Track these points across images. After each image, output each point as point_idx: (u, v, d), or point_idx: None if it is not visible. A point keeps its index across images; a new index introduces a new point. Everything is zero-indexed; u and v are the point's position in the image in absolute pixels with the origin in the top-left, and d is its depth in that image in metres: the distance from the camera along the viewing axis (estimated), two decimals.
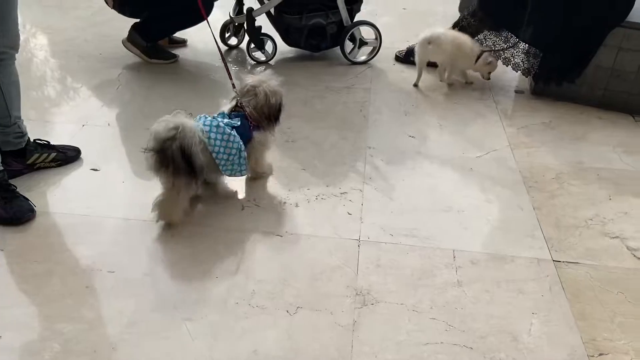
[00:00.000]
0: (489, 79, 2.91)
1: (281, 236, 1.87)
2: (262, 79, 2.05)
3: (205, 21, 2.85)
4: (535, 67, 2.77)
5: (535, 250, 1.83)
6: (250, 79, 2.04)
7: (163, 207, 1.87)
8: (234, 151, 1.91)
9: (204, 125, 1.86)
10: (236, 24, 3.22)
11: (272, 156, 2.22)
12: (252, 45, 3.11)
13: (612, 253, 1.83)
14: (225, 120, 1.93)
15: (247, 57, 3.16)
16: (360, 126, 2.57)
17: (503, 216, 2.01)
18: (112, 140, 2.40)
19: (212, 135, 1.86)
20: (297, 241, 1.85)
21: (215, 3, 2.99)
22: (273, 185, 2.14)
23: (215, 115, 1.97)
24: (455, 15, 3.87)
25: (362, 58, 3.22)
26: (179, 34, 3.26)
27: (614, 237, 1.89)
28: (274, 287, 1.66)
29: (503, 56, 2.82)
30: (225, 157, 1.90)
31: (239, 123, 1.94)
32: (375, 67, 3.19)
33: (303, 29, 3.08)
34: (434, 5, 4.17)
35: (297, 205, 2.02)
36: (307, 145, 2.41)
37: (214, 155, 1.87)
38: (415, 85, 2.93)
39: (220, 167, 1.92)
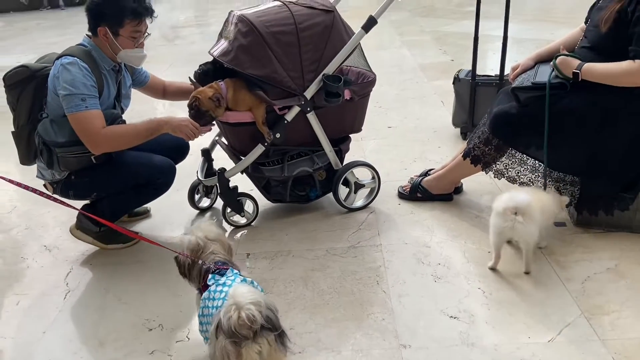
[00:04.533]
0: None
1: None
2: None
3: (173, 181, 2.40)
4: (576, 195, 2.29)
5: None
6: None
7: None
8: None
9: (251, 284, 1.61)
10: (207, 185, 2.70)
11: None
12: (229, 210, 2.58)
13: None
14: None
15: (224, 221, 2.62)
16: (383, 310, 1.98)
17: None
18: None
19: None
20: None
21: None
22: None
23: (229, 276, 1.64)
24: (448, 130, 3.50)
25: (360, 203, 2.71)
26: None
27: None
28: None
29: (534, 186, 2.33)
30: None
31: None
32: (378, 210, 2.67)
33: (287, 181, 2.58)
34: (421, 119, 3.79)
35: None
36: (318, 357, 1.79)
37: None
38: (493, 268, 2.14)
39: None
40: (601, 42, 2.15)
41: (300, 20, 2.34)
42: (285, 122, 2.41)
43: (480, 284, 2.07)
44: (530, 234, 2.03)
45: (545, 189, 2.27)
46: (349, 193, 2.68)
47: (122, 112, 2.40)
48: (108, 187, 2.34)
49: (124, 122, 2.34)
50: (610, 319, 1.83)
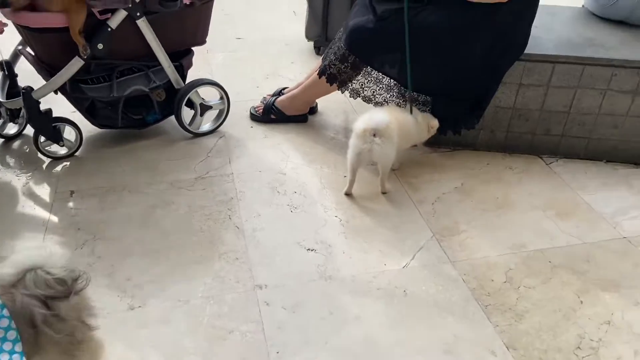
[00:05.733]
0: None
1: None
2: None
3: None
4: None
5: None
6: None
7: None
8: None
9: None
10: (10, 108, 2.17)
11: (110, 339, 1.36)
12: (43, 139, 2.11)
13: None
14: None
15: (38, 154, 2.15)
16: (236, 249, 1.80)
17: None
18: None
19: None
20: None
21: None
22: None
23: None
24: (301, 43, 3.27)
25: (207, 127, 2.42)
26: None
27: None
28: None
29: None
30: None
31: None
32: (228, 135, 2.41)
33: (117, 102, 2.17)
34: (272, 30, 3.49)
35: None
36: (162, 310, 1.57)
37: None
38: (348, 194, 2.05)
39: None
40: None
41: None
42: (109, 29, 1.97)
43: (336, 212, 1.99)
44: (387, 156, 1.98)
45: (411, 112, 2.20)
46: (195, 116, 2.36)
47: None
48: None
49: None
50: (459, 240, 1.88)
